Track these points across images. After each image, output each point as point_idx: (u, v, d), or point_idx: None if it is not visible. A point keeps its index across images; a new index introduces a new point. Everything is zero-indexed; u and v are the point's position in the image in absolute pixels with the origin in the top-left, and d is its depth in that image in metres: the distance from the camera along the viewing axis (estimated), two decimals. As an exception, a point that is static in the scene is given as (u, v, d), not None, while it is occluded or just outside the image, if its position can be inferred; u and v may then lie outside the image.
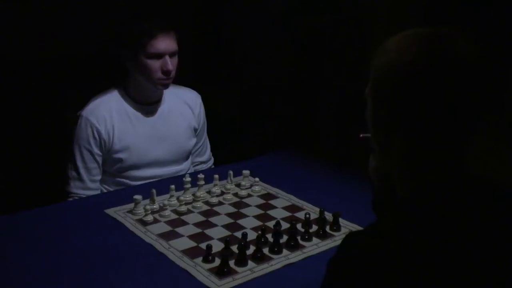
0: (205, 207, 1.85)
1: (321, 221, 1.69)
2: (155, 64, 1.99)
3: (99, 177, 2.08)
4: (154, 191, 1.78)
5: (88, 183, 2.05)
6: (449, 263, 0.86)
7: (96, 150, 2.04)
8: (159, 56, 1.98)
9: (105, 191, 2.11)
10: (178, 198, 1.84)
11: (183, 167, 2.23)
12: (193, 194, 1.88)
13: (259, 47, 3.46)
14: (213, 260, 1.49)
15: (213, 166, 2.39)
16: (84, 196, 2.03)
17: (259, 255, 1.52)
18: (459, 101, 0.91)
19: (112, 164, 2.08)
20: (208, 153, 2.38)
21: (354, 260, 0.90)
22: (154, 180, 2.08)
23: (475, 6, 2.33)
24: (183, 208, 1.80)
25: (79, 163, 2.04)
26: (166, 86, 2.06)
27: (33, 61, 2.88)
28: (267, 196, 1.95)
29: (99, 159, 2.06)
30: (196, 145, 2.29)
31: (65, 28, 2.95)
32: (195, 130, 2.26)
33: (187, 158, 2.26)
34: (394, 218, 0.95)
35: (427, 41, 0.94)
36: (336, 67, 3.14)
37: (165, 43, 1.99)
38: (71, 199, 2.04)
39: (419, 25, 1.02)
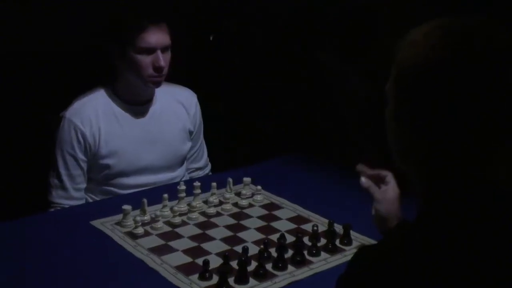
0: (202, 219, 1.87)
1: (330, 234, 1.71)
2: (145, 59, 2.01)
3: (84, 185, 2.10)
4: (145, 200, 1.80)
5: (72, 192, 2.07)
6: (467, 279, 0.87)
7: (80, 155, 2.06)
8: (150, 51, 2.01)
9: (90, 200, 2.12)
10: (171, 209, 1.86)
11: (177, 174, 2.25)
12: (188, 204, 1.90)
13: (259, 42, 3.49)
14: (210, 277, 1.50)
15: (210, 173, 2.41)
16: (68, 206, 2.04)
17: (261, 271, 1.53)
18: (495, 100, 0.91)
19: (99, 170, 2.10)
20: (204, 158, 2.40)
21: (367, 277, 0.90)
22: (145, 188, 2.10)
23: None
24: (177, 220, 1.82)
25: (62, 170, 2.06)
26: (158, 84, 2.08)
27: (10, 57, 2.87)
28: (270, 206, 1.97)
29: (84, 165, 2.08)
30: (192, 150, 2.31)
31: (45, 22, 2.94)
32: (191, 132, 2.28)
33: (181, 164, 2.27)
34: (410, 232, 0.95)
35: (460, 33, 0.93)
36: (342, 62, 3.14)
37: (156, 37, 2.01)
38: (53, 209, 2.05)
39: (426, 17, 1.02)
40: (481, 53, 0.91)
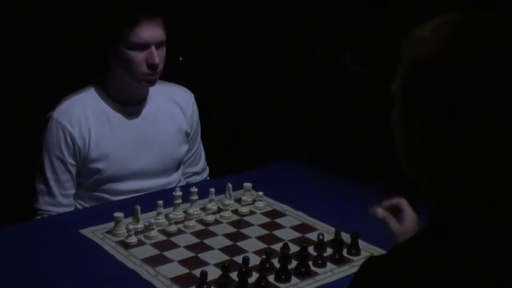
0: (199, 227, 1.87)
1: (337, 243, 1.72)
2: (138, 56, 2.01)
3: (72, 191, 2.11)
4: (138, 207, 1.82)
5: (60, 198, 2.07)
6: None
7: (69, 159, 2.06)
8: (144, 46, 2.01)
9: (80, 207, 2.13)
10: (167, 216, 1.87)
11: (172, 179, 2.25)
12: (185, 211, 1.91)
13: (260, 38, 3.53)
14: None
15: (208, 178, 2.41)
16: (55, 213, 2.05)
17: (263, 283, 1.54)
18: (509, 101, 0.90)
19: (89, 175, 2.10)
20: (202, 162, 2.40)
21: None
22: (139, 194, 2.11)
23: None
24: (173, 228, 1.83)
25: (49, 175, 2.06)
26: (152, 83, 2.08)
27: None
28: (273, 214, 1.98)
29: (73, 169, 2.08)
30: (188, 153, 2.32)
31: (32, 15, 2.95)
32: (187, 134, 2.29)
33: (177, 168, 2.28)
34: (421, 242, 0.96)
35: (472, 29, 0.93)
36: (345, 59, 3.24)
37: (150, 32, 2.01)
38: (39, 217, 2.06)
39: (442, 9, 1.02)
40: (496, 48, 0.90)
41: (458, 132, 0.91)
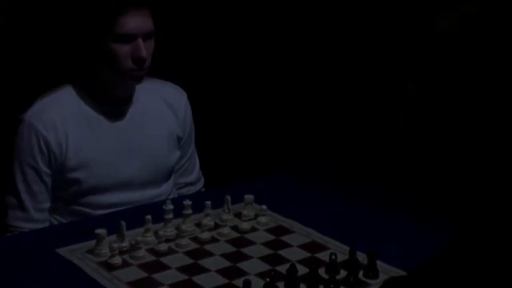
0: (193, 245, 1.87)
1: (351, 264, 1.71)
2: (123, 49, 2.01)
3: (47, 205, 2.10)
4: (123, 223, 1.81)
5: (33, 213, 2.07)
6: None
7: (43, 168, 2.05)
8: (130, 38, 2.01)
9: (56, 223, 2.12)
10: (156, 233, 1.87)
11: (162, 190, 2.24)
12: (177, 228, 1.91)
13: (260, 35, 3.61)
14: None
15: (203, 189, 2.42)
16: (28, 230, 2.05)
17: None
18: None
19: (66, 186, 2.10)
20: (196, 171, 2.40)
21: None
22: (124, 208, 2.10)
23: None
24: (163, 247, 1.82)
25: (21, 186, 2.06)
26: (138, 80, 2.08)
27: None
28: (278, 230, 1.98)
29: (48, 179, 2.07)
30: (181, 161, 2.32)
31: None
32: (179, 139, 2.28)
33: (168, 178, 2.27)
34: (443, 264, 0.99)
35: None
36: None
37: (137, 21, 2.02)
38: (10, 234, 2.06)
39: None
40: None
41: None
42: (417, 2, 3.19)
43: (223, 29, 3.60)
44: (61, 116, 2.07)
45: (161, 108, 2.24)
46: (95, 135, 2.10)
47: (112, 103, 2.13)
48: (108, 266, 1.71)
